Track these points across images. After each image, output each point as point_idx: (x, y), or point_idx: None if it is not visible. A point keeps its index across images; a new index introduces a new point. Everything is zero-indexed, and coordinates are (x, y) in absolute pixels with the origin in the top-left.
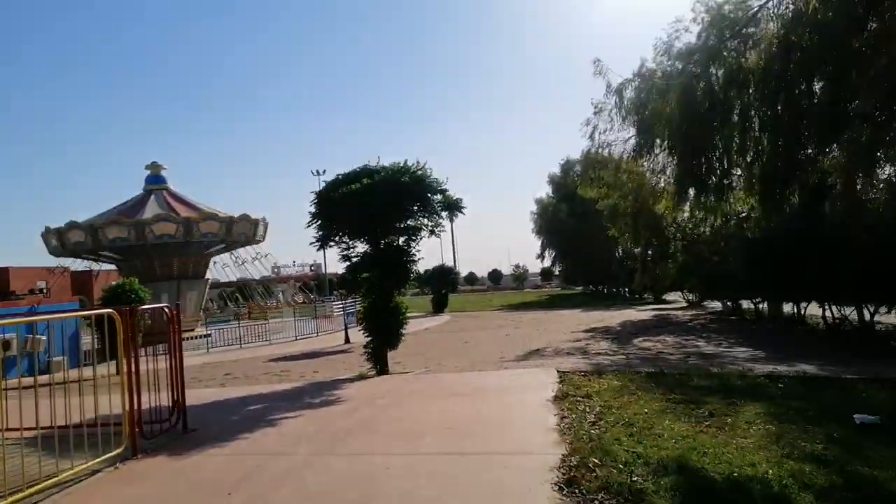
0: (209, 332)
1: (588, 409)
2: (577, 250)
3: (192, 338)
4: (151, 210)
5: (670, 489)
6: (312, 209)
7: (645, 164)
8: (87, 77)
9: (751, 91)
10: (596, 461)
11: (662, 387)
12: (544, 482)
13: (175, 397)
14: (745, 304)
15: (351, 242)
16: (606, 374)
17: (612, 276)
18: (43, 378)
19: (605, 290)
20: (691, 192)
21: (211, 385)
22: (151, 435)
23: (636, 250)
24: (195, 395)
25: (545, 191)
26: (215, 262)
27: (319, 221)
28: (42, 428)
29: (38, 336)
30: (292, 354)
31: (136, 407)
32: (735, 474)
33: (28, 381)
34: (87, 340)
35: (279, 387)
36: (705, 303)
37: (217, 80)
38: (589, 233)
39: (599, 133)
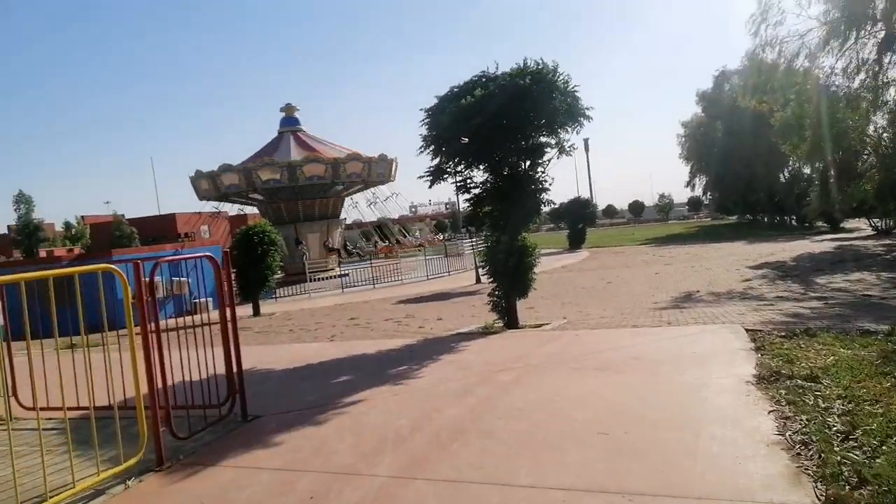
0: (346, 272)
1: (823, 405)
2: (732, 175)
3: (329, 277)
4: (290, 151)
5: None
6: (423, 131)
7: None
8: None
9: None
10: None
11: None
12: None
13: (230, 380)
14: None
15: (468, 171)
16: (820, 335)
17: (775, 203)
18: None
19: (766, 220)
20: None
21: (320, 338)
22: (195, 429)
23: (806, 171)
24: (292, 355)
25: (693, 111)
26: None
27: (432, 147)
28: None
29: (182, 279)
30: (421, 295)
31: (158, 394)
32: None
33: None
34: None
35: (388, 344)
36: None
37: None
38: (748, 154)
39: (768, 27)
